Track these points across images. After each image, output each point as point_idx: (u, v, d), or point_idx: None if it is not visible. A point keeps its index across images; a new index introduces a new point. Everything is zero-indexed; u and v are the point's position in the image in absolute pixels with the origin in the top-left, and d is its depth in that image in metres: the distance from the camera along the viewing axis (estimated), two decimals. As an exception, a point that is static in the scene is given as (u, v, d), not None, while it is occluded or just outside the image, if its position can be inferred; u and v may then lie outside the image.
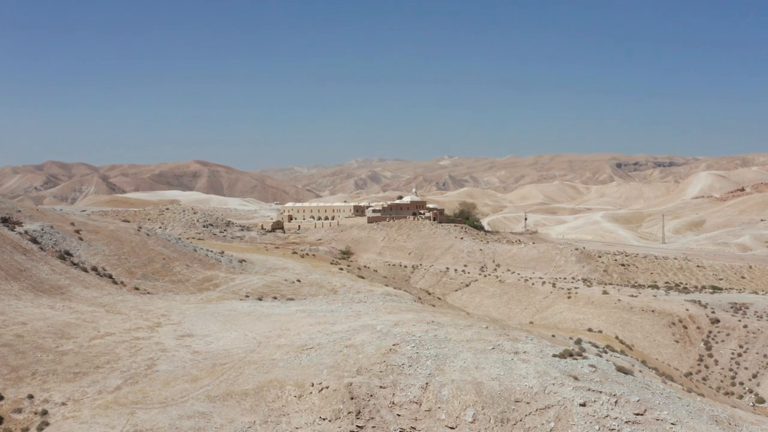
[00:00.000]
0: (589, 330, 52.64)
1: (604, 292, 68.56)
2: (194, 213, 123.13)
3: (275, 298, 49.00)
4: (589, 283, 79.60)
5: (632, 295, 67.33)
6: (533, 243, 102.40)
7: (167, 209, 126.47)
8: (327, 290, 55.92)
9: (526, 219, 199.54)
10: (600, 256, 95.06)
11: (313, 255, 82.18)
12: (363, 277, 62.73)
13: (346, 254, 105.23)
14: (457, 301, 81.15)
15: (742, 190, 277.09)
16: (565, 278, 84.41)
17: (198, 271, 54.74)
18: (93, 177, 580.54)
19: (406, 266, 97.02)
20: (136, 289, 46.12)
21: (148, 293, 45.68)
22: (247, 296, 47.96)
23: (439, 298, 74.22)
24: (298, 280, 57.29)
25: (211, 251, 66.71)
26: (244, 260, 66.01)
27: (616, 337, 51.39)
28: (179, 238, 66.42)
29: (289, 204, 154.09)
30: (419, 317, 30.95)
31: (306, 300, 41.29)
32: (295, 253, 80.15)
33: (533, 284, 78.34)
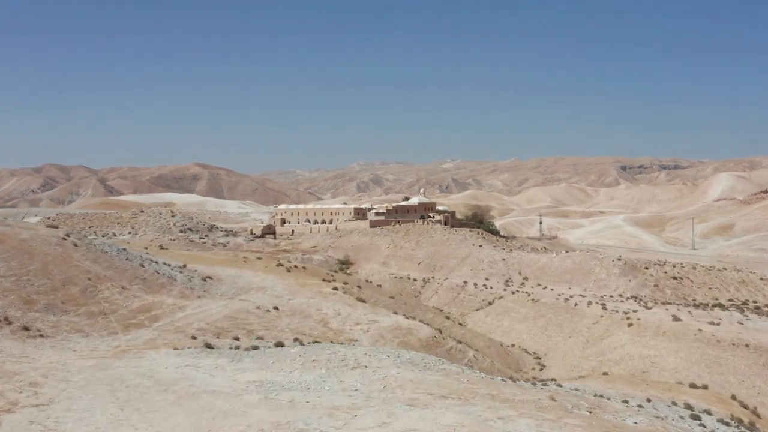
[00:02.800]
0: (692, 386, 37.21)
1: (675, 318, 53.20)
2: (172, 216, 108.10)
3: (236, 339, 33.91)
4: (643, 303, 64.31)
5: (713, 323, 52.01)
6: (566, 251, 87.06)
7: (142, 212, 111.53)
8: (314, 321, 40.78)
9: (541, 223, 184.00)
10: (647, 268, 79.71)
11: (303, 267, 66.95)
12: (363, 301, 47.52)
13: (345, 264, 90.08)
14: (480, 324, 65.87)
15: (767, 192, 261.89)
16: (611, 296, 69.11)
17: (135, 297, 39.62)
18: (91, 180, 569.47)
19: (415, 279, 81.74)
20: (25, 329, 31.05)
21: (41, 336, 30.69)
22: (194, 338, 32.88)
23: (460, 324, 58.95)
24: (276, 308, 42.07)
25: (169, 265, 51.59)
26: (209, 277, 50.84)
27: (733, 397, 36.02)
28: (124, 249, 51.27)
29: (282, 206, 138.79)
30: (472, 418, 15.92)
31: (272, 356, 26.05)
32: (281, 265, 64.93)
33: (576, 305, 63.01)
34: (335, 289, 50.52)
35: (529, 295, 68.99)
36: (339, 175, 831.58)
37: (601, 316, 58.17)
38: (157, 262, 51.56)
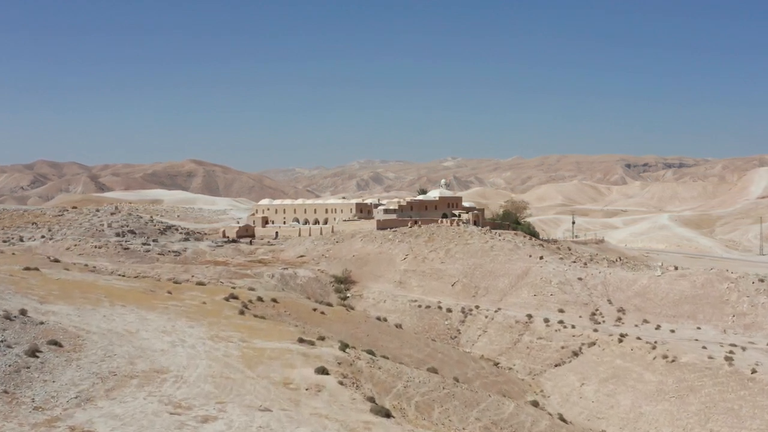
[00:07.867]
0: None
1: None
2: (112, 214, 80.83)
3: None
4: None
5: None
6: (675, 268, 59.71)
7: (74, 208, 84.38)
8: None
9: (574, 223, 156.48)
10: (803, 293, 52.35)
11: (273, 300, 39.44)
12: (388, 414, 20.12)
13: (343, 283, 62.77)
14: (575, 398, 38.52)
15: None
16: (785, 347, 41.80)
17: None
18: (81, 177, 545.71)
19: (449, 310, 54.26)
20: None
21: None
22: None
23: (562, 419, 31.61)
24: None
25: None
26: (55, 343, 23.43)
27: None
28: None
29: (265, 201, 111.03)
30: None
31: None
32: (234, 297, 37.58)
33: (754, 371, 35.55)
34: (323, 372, 23.10)
35: (653, 346, 41.37)
36: (339, 173, 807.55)
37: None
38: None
